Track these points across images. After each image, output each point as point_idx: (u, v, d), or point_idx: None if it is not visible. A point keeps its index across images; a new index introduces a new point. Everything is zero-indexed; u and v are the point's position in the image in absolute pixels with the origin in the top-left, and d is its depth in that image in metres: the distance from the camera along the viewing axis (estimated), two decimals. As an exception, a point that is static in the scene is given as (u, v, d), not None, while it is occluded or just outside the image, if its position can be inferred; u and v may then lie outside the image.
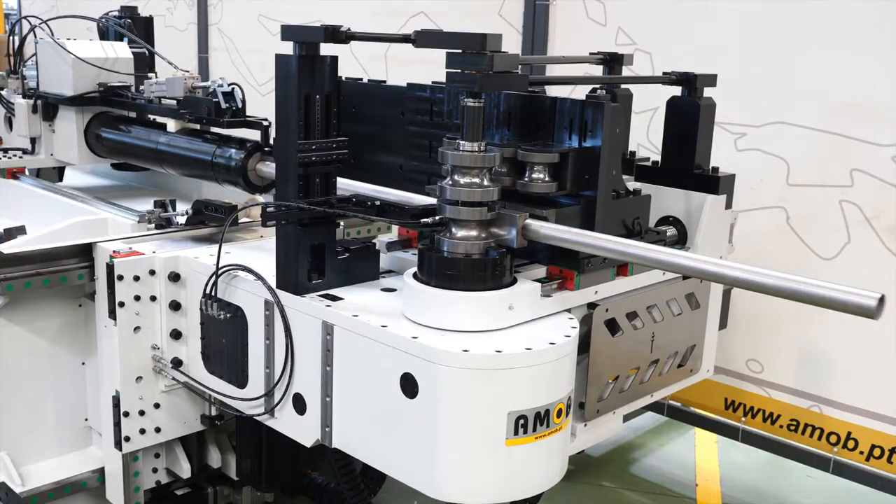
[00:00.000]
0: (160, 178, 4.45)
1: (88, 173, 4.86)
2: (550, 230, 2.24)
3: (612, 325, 2.52)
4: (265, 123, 3.35)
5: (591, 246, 2.19)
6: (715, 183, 2.86)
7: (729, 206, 2.95)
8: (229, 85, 3.47)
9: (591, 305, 2.47)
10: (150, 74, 4.09)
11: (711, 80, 2.92)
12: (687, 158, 2.89)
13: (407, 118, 2.87)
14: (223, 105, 3.42)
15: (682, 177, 2.90)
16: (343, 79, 3.06)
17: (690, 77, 2.88)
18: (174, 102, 3.69)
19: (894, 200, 3.43)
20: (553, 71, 4.29)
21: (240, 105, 3.46)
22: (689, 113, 2.88)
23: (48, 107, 4.23)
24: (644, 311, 2.63)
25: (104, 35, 4.50)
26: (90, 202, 3.61)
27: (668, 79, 2.90)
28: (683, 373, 2.93)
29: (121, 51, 4.21)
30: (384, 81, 3.07)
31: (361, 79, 3.12)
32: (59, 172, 4.68)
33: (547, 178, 2.38)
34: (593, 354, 2.45)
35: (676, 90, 2.94)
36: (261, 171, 3.30)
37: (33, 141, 4.34)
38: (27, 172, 4.47)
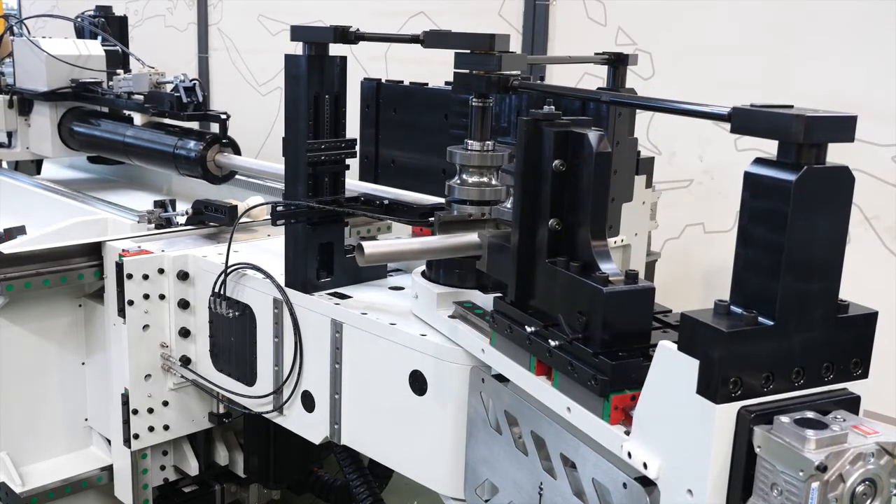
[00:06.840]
0: (133, 170, 4.58)
1: (67, 167, 4.95)
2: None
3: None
4: (223, 117, 3.56)
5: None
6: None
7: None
8: (191, 81, 3.67)
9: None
10: (118, 71, 4.24)
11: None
12: None
13: (451, 121, 2.80)
14: (185, 100, 3.64)
15: None
16: (383, 81, 3.08)
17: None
18: (141, 97, 3.87)
19: (894, 200, 3.46)
20: (554, 70, 4.32)
21: (200, 100, 3.66)
22: None
23: (23, 102, 4.37)
24: None
25: (80, 33, 4.64)
26: (90, 202, 3.62)
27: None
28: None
29: (93, 48, 4.35)
30: (426, 84, 3.05)
31: (402, 81, 3.10)
32: (37, 165, 4.79)
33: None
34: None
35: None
36: (219, 162, 3.52)
37: (10, 135, 4.45)
38: (5, 165, 4.59)
